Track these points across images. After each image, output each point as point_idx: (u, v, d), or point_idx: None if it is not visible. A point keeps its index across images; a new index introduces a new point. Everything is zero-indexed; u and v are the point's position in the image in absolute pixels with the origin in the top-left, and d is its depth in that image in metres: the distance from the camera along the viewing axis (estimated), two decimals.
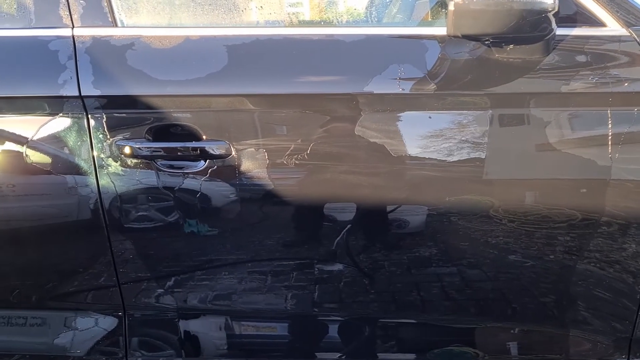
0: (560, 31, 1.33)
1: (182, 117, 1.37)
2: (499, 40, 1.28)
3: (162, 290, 1.49)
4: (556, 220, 1.40)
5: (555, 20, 1.27)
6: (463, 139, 1.36)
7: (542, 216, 1.40)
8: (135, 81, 1.35)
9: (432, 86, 1.33)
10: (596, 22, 1.36)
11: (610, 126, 1.34)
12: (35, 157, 1.38)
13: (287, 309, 1.50)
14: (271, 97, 1.36)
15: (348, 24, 1.43)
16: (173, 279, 1.48)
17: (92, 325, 1.51)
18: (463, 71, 1.35)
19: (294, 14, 1.44)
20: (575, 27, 1.36)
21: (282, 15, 1.45)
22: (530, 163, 1.37)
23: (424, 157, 1.36)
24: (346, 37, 1.37)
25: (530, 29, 1.23)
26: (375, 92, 1.34)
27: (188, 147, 1.37)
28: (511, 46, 1.31)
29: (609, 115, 1.34)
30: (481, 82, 1.34)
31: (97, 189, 1.38)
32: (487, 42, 1.30)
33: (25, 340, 1.53)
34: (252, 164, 1.37)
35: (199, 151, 1.37)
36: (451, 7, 1.14)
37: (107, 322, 1.52)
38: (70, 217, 1.41)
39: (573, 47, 1.35)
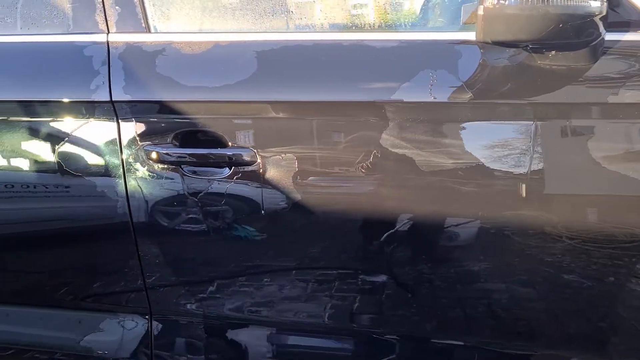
0: (611, 36, 1.22)
1: (209, 123, 1.35)
2: (538, 46, 1.19)
3: (186, 295, 1.48)
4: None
5: (604, 24, 1.17)
6: (510, 151, 1.27)
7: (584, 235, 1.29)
8: (164, 87, 1.35)
9: (468, 95, 1.25)
10: None
11: None
12: (67, 160, 1.40)
13: (320, 322, 1.46)
14: (297, 104, 1.32)
15: (380, 29, 1.37)
16: (197, 284, 1.47)
17: (120, 328, 1.52)
18: (502, 79, 1.26)
19: (325, 18, 1.40)
20: (628, 31, 1.25)
21: (312, 20, 1.41)
22: (579, 177, 1.27)
23: (462, 169, 1.28)
24: (376, 43, 1.32)
25: (574, 35, 1.13)
26: (405, 100, 1.27)
27: (214, 154, 1.35)
28: (553, 53, 1.21)
29: None
30: (522, 91, 1.26)
31: (125, 193, 1.39)
32: (526, 48, 1.21)
33: (56, 335, 1.56)
34: (278, 172, 1.34)
35: (226, 158, 1.35)
36: (480, 11, 1.06)
37: (134, 325, 1.52)
38: (99, 220, 1.43)
39: (625, 53, 1.24)
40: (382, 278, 1.40)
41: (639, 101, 1.22)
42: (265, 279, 1.45)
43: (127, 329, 1.52)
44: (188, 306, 1.49)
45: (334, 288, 1.41)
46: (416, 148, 1.29)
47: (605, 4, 1.14)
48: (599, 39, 1.18)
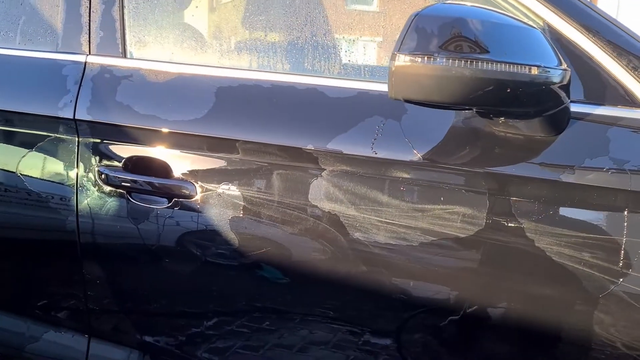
0: (579, 107, 1.10)
1: (157, 152, 1.35)
2: (483, 110, 1.09)
3: (126, 321, 1.46)
4: None
5: (566, 94, 1.05)
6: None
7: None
8: (121, 111, 1.36)
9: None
10: (632, 102, 1.10)
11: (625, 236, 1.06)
12: (27, 170, 1.45)
13: None
14: (243, 144, 1.29)
15: (338, 75, 1.31)
16: (136, 312, 1.45)
17: (60, 342, 1.53)
18: (451, 141, 1.17)
19: (286, 60, 1.37)
20: (600, 105, 1.12)
21: (274, 62, 1.39)
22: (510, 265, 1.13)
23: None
24: (330, 90, 1.26)
25: (515, 103, 1.02)
26: (344, 152, 1.21)
27: (155, 183, 1.34)
28: (502, 119, 1.10)
29: (625, 221, 1.06)
30: (470, 158, 1.15)
31: (75, 211, 1.41)
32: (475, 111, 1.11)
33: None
34: (216, 209, 1.30)
35: (166, 188, 1.34)
36: (392, 67, 0.98)
37: (73, 342, 1.52)
38: (49, 233, 1.46)
39: (591, 128, 1.10)
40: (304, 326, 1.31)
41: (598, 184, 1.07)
42: (202, 314, 1.40)
43: (65, 345, 1.52)
44: (126, 332, 1.48)
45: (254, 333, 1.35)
46: (350, 204, 1.21)
47: (564, 72, 1.02)
48: (555, 110, 1.06)
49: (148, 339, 1.46)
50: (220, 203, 1.29)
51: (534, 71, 0.97)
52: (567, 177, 1.09)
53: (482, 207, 1.14)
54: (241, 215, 1.29)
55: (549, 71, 1.00)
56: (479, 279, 1.17)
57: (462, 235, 1.15)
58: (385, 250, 1.20)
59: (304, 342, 1.33)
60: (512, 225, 1.11)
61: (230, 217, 1.29)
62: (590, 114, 1.11)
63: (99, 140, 1.39)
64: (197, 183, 1.31)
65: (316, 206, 1.23)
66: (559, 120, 1.09)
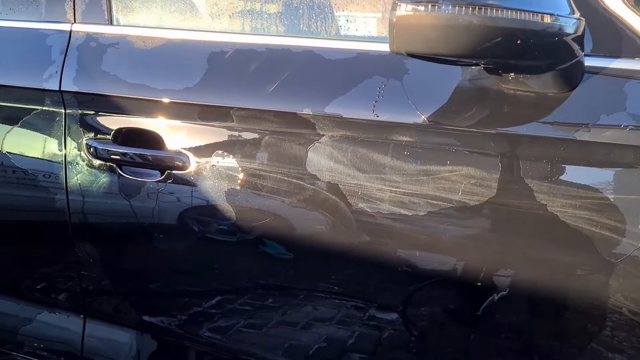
0: (594, 61, 1.02)
1: (147, 123, 1.28)
2: (491, 65, 1.01)
3: (121, 300, 1.41)
4: None
5: (580, 46, 0.97)
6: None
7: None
8: (109, 81, 1.30)
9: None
10: None
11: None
12: (13, 146, 1.39)
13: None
14: (238, 111, 1.22)
15: (336, 36, 1.24)
16: (130, 290, 1.40)
17: (55, 324, 1.48)
18: (457, 102, 1.09)
19: (279, 20, 1.29)
20: (616, 58, 1.04)
21: (268, 24, 1.31)
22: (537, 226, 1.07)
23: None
24: (328, 52, 1.19)
25: (528, 55, 0.94)
26: (344, 115, 1.14)
27: (146, 155, 1.28)
28: (512, 75, 1.03)
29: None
30: (478, 118, 1.08)
31: (65, 187, 1.35)
32: (482, 66, 1.04)
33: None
34: (210, 182, 1.24)
35: (158, 160, 1.27)
36: (392, 18, 0.90)
37: (69, 323, 1.47)
38: (39, 212, 1.40)
39: (607, 82, 1.03)
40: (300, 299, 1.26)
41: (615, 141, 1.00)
42: (199, 290, 1.35)
43: (61, 326, 1.47)
44: (123, 312, 1.42)
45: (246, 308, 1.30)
46: (352, 171, 1.14)
47: (578, 22, 0.95)
48: (569, 63, 0.98)
49: (146, 318, 1.40)
50: (216, 174, 1.23)
51: (547, 19, 0.90)
52: (581, 136, 1.02)
53: (491, 169, 1.07)
54: (237, 187, 1.22)
55: (562, 20, 0.92)
56: (489, 246, 1.11)
57: (471, 201, 1.08)
58: (389, 219, 1.14)
59: (308, 318, 1.27)
60: (524, 188, 1.05)
61: (226, 189, 1.23)
62: (606, 67, 1.03)
63: (86, 112, 1.33)
64: (191, 154, 1.25)
65: (316, 175, 1.17)
66: (572, 75, 1.02)
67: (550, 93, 1.04)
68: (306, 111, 1.15)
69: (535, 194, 1.05)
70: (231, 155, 1.22)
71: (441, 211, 1.11)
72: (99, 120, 1.33)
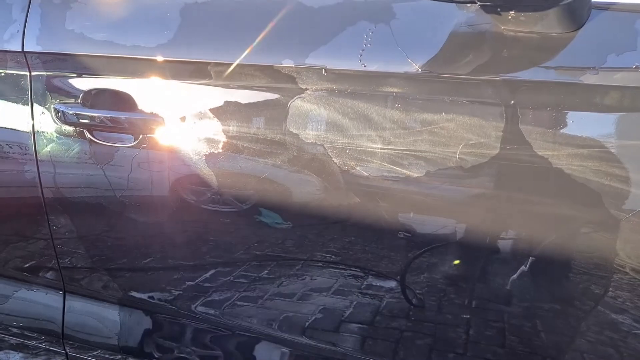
0: None
1: (118, 83, 1.19)
2: (492, 2, 0.91)
3: (100, 274, 1.33)
4: None
5: None
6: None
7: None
8: (76, 39, 1.20)
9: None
10: None
11: None
12: None
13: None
14: (217, 67, 1.12)
15: None
16: (110, 263, 1.32)
17: (34, 300, 1.41)
18: (452, 48, 1.00)
19: None
20: None
21: None
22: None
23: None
24: None
25: None
26: (328, 67, 1.04)
27: (119, 118, 1.19)
28: (512, 13, 0.93)
29: None
30: (475, 64, 0.98)
31: (35, 157, 1.26)
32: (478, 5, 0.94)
33: None
34: (189, 144, 1.15)
35: (131, 124, 1.18)
36: None
37: (48, 300, 1.40)
38: (8, 184, 1.31)
39: (617, 18, 0.93)
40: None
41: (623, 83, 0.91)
42: (178, 262, 1.27)
43: (40, 303, 1.40)
44: (103, 287, 1.35)
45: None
46: (338, 128, 1.05)
47: None
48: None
49: (130, 293, 1.33)
50: (194, 137, 1.14)
51: None
52: (588, 79, 0.92)
53: (491, 119, 0.98)
54: (218, 150, 1.13)
55: None
56: (490, 204, 1.03)
57: (471, 156, 1.00)
58: (383, 180, 1.05)
59: (305, 289, 1.20)
60: (528, 138, 0.96)
61: (205, 153, 1.14)
62: (616, 2, 0.94)
63: (53, 74, 1.23)
64: (166, 115, 1.15)
65: (299, 135, 1.08)
66: (578, 12, 0.92)
67: (554, 34, 0.94)
68: (286, 63, 1.05)
69: (539, 144, 0.96)
70: (210, 116, 1.13)
71: (439, 169, 1.02)
72: (67, 83, 1.23)
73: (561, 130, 0.95)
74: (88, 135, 1.21)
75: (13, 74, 1.25)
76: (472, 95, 1.00)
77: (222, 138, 1.13)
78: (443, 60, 1.00)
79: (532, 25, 0.94)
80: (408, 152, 1.03)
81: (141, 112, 1.17)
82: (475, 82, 0.99)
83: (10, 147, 1.28)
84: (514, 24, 0.95)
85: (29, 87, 1.24)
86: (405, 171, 1.03)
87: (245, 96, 1.12)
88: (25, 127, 1.25)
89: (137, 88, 1.18)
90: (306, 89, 1.06)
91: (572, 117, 0.95)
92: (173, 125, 1.15)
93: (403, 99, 1.02)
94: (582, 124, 0.95)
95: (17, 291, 1.42)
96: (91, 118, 1.20)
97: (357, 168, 1.06)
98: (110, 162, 1.21)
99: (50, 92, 1.23)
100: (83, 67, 1.20)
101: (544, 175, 0.97)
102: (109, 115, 1.19)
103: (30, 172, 1.27)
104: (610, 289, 1.01)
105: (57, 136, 1.24)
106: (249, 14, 1.12)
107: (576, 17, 0.92)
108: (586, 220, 0.97)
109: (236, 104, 1.13)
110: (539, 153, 0.96)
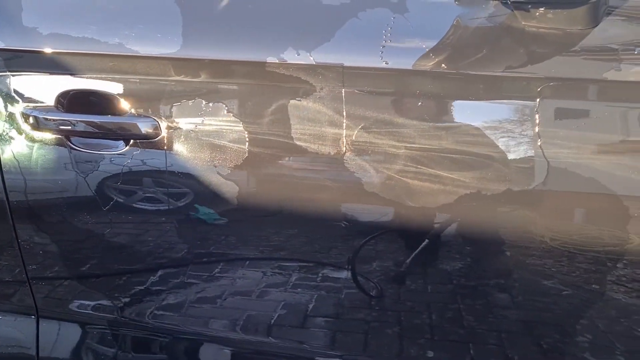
0: None
1: (102, 83, 1.07)
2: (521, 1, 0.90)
3: (77, 293, 1.21)
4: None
5: None
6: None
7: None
8: (43, 34, 1.06)
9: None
10: None
11: None
12: None
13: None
14: (216, 64, 1.03)
15: None
16: (87, 281, 1.20)
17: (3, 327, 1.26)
18: (476, 43, 0.98)
19: None
20: None
21: None
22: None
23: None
24: None
25: None
26: (346, 64, 0.99)
27: (105, 123, 1.07)
28: (541, 10, 0.92)
29: None
30: (497, 60, 0.97)
31: None
32: (506, 4, 0.92)
33: None
34: (187, 147, 1.05)
35: (120, 128, 1.07)
36: None
37: (19, 326, 1.25)
38: None
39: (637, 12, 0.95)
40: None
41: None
42: (163, 277, 1.18)
43: (11, 328, 1.25)
44: (79, 307, 1.22)
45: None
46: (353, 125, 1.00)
47: None
48: None
49: (116, 313, 1.22)
50: (194, 140, 1.05)
51: None
52: (613, 75, 0.93)
53: (513, 116, 0.98)
54: (219, 155, 1.05)
55: None
56: (509, 202, 1.02)
57: (491, 152, 0.98)
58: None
59: (261, 286, 1.15)
60: (552, 132, 0.95)
61: (210, 159, 1.05)
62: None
63: (21, 74, 1.09)
64: (161, 119, 1.05)
65: (311, 137, 1.02)
66: (601, 7, 0.92)
67: (575, 29, 0.94)
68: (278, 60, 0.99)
69: (562, 142, 0.96)
70: (210, 116, 1.04)
71: (457, 167, 1.00)
72: (36, 84, 1.09)
73: (584, 128, 0.95)
74: (66, 141, 1.08)
75: None
76: (493, 91, 0.98)
77: (222, 143, 1.05)
78: (461, 56, 0.98)
79: (557, 21, 0.93)
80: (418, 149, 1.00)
81: (133, 114, 1.05)
82: (501, 79, 0.97)
83: None
84: (538, 20, 0.94)
85: None
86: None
87: (245, 96, 1.04)
88: None
89: (119, 89, 1.06)
90: (323, 88, 1.00)
91: (597, 113, 0.96)
92: (167, 129, 1.05)
93: (424, 97, 0.99)
94: (605, 118, 0.96)
95: None
96: (69, 123, 1.07)
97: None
98: (93, 172, 1.09)
99: (18, 95, 1.08)
100: (57, 66, 1.06)
101: (566, 173, 0.97)
102: (93, 120, 1.07)
103: None
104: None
105: (27, 144, 1.10)
106: (248, 5, 1.04)
107: (599, 12, 0.93)
108: (608, 216, 0.99)
109: (236, 104, 1.05)
110: (562, 150, 0.96)
